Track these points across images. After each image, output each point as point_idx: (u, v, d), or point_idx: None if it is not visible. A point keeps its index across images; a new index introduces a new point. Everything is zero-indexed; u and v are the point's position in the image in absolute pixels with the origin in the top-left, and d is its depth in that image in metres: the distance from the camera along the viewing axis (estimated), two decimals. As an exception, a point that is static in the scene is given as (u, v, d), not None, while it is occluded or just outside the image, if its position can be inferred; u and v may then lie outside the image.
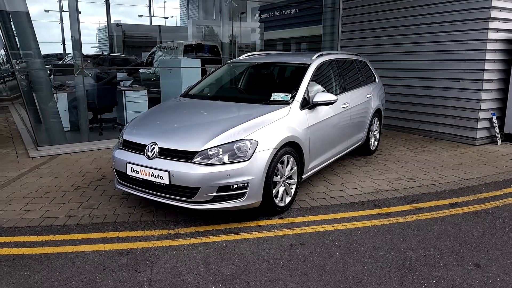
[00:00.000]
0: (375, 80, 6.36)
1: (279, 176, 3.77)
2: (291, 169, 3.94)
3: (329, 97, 4.29)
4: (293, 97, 4.19)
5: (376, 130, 6.29)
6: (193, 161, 3.38)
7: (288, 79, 4.73)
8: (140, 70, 11.98)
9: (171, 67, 8.63)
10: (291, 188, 4.01)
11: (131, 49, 21.06)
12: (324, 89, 4.77)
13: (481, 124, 6.83)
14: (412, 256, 3.13)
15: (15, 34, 5.61)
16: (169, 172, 3.38)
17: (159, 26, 23.09)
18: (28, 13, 5.69)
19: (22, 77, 5.62)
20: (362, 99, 5.61)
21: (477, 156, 6.14)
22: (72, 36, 6.07)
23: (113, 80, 7.46)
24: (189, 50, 11.37)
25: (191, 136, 3.58)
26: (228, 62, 5.39)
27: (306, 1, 11.64)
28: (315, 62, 4.74)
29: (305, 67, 4.60)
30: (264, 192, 3.56)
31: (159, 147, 3.53)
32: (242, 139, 3.48)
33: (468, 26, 6.70)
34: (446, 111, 7.21)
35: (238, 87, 5.27)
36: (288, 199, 3.95)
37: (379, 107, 6.17)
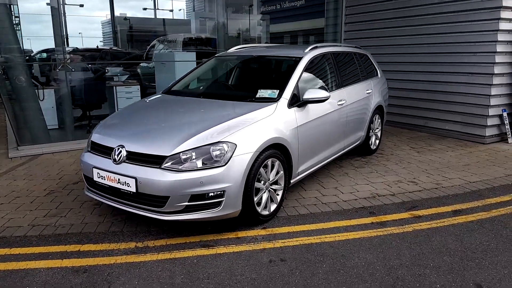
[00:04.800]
0: (377, 75, 5.94)
1: (262, 182, 3.42)
2: (277, 173, 3.58)
3: (321, 94, 3.90)
4: (280, 94, 3.81)
5: (377, 128, 5.88)
6: (162, 167, 3.04)
7: (277, 74, 4.35)
8: (142, 64, 11.70)
9: (165, 61, 8.30)
10: (277, 194, 3.65)
11: (135, 43, 20.83)
12: (319, 84, 4.40)
13: (490, 121, 6.36)
14: (405, 275, 2.76)
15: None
16: (136, 178, 3.05)
17: (164, 19, 22.80)
18: (6, 5, 5.39)
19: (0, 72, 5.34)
20: (361, 95, 5.20)
21: (485, 156, 5.70)
22: (55, 30, 5.75)
23: (103, 75, 7.14)
24: (188, 44, 11.02)
25: (161, 138, 3.23)
26: (216, 55, 5.02)
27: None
28: (308, 55, 4.35)
29: (296, 61, 4.22)
30: (244, 200, 3.21)
31: (126, 151, 3.20)
32: (218, 141, 3.13)
33: (478, 16, 6.21)
34: (453, 107, 6.76)
35: (224, 83, 4.91)
36: (273, 207, 3.60)
37: (380, 103, 5.75)
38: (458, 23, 6.48)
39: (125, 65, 10.15)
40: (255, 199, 3.33)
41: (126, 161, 3.17)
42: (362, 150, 5.69)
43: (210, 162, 3.07)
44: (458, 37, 6.52)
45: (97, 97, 7.03)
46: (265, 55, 4.75)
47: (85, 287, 2.58)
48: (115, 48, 18.17)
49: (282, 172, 3.62)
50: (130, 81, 8.11)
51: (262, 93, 3.89)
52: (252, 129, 3.34)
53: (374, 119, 5.66)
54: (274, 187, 3.59)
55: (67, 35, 24.14)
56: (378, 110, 5.77)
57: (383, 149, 6.10)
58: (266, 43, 14.98)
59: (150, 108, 4.07)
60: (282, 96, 3.78)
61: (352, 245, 3.16)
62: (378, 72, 6.01)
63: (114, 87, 7.57)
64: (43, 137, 5.94)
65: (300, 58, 4.23)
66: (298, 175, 3.94)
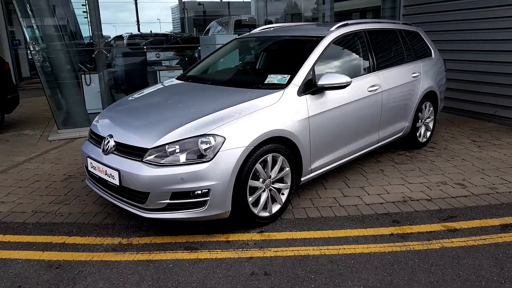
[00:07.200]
0: (430, 55, 5.10)
1: (260, 180, 3.04)
2: (282, 170, 3.17)
3: (340, 79, 3.35)
4: (290, 80, 3.35)
5: (428, 118, 5.08)
6: (143, 160, 2.81)
7: (294, 57, 3.83)
8: (200, 48, 11.72)
9: (208, 44, 8.11)
10: (282, 194, 3.25)
11: (201, 26, 21.10)
12: (342, 68, 3.84)
13: None
14: (412, 308, 2.23)
15: (33, 15, 5.50)
16: (119, 171, 2.87)
17: (228, 2, 22.77)
18: (46, -2, 5.56)
19: (39, 58, 5.53)
20: (404, 79, 4.48)
21: None
22: (91, 15, 5.82)
23: (144, 61, 7.19)
24: (240, 26, 10.72)
25: (147, 129, 2.99)
26: (237, 37, 4.65)
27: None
28: (332, 34, 3.78)
29: (317, 41, 3.69)
30: (235, 200, 2.87)
31: (114, 141, 3.02)
32: (204, 134, 2.80)
33: None
34: (532, 93, 5.63)
35: (240, 68, 4.51)
36: (276, 208, 3.20)
37: (432, 88, 4.93)
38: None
39: (177, 49, 10.17)
40: (250, 199, 2.97)
41: (114, 152, 3.00)
42: (409, 143, 4.96)
43: (195, 156, 2.76)
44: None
45: (138, 82, 7.09)
46: (285, 35, 4.25)
47: (49, 284, 2.47)
48: (173, 33, 18.55)
49: (288, 168, 3.20)
50: (175, 65, 8.08)
51: (272, 78, 3.45)
52: (248, 120, 2.95)
53: (423, 107, 4.88)
54: (277, 185, 3.19)
55: (138, 21, 25.34)
56: (430, 96, 4.96)
57: (436, 142, 5.28)
58: (326, 22, 14.12)
59: (152, 96, 3.85)
60: (292, 82, 3.31)
61: (356, 262, 2.66)
62: (432, 52, 5.15)
63: (158, 72, 7.59)
64: (83, 121, 6.12)
65: (321, 38, 3.68)
66: (311, 173, 3.48)
